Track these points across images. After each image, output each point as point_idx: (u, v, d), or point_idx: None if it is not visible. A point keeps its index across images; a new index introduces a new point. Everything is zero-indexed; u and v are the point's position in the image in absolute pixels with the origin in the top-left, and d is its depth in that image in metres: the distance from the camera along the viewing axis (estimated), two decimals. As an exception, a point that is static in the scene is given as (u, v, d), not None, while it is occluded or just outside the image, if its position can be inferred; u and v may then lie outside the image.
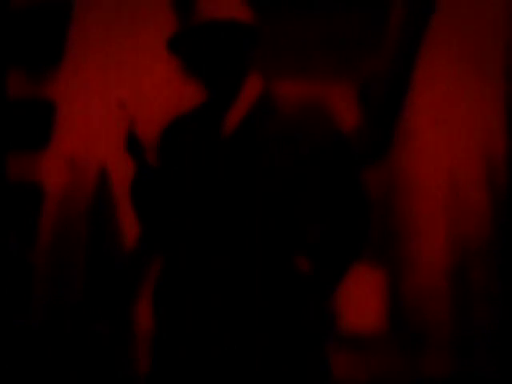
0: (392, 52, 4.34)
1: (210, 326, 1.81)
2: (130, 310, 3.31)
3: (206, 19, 1.87)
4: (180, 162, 1.92)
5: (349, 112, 4.31)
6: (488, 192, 3.73)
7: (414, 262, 4.41)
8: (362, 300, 4.40)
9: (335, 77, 4.37)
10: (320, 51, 4.42)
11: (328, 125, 1.95)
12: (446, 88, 4.05)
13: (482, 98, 3.67)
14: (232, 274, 1.81)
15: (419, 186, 4.49)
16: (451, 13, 3.93)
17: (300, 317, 1.84)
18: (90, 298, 3.30)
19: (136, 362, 3.32)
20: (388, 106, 4.24)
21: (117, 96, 3.31)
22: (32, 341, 3.28)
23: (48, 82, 3.58)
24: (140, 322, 3.31)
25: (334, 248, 1.90)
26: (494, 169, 3.63)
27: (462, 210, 3.94)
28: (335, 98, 4.30)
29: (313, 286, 1.87)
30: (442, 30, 4.01)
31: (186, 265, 1.85)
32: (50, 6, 3.61)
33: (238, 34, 1.90)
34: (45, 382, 3.25)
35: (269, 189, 1.82)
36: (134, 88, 3.51)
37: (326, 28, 4.39)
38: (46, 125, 3.43)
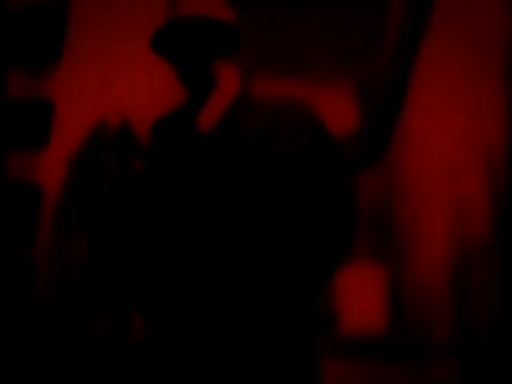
0: (391, 51, 4.34)
1: (199, 329, 1.80)
2: (130, 310, 3.30)
3: (183, 15, 1.89)
4: (161, 160, 1.92)
5: (348, 112, 4.31)
6: (488, 191, 3.73)
7: (414, 261, 4.41)
8: (362, 300, 4.40)
9: (334, 76, 4.37)
10: (319, 51, 4.42)
11: (307, 121, 1.94)
12: (446, 87, 4.05)
13: (482, 96, 3.66)
14: (218, 274, 1.80)
15: (419, 186, 4.49)
16: (450, 11, 3.93)
17: (289, 319, 1.83)
18: (90, 298, 3.30)
19: (136, 363, 3.31)
20: (387, 106, 4.25)
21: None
22: (32, 341, 3.28)
23: (47, 81, 3.57)
24: (139, 323, 3.30)
25: (319, 244, 1.87)
26: (495, 168, 3.62)
27: (461, 210, 3.94)
28: (334, 97, 4.30)
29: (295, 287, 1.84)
30: (442, 29, 4.01)
31: (171, 268, 1.85)
32: (48, 6, 3.60)
33: (216, 31, 1.92)
34: (44, 382, 3.25)
35: (251, 185, 1.82)
36: (132, 88, 3.51)
37: (325, 28, 4.40)
38: (45, 124, 3.43)
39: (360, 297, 4.34)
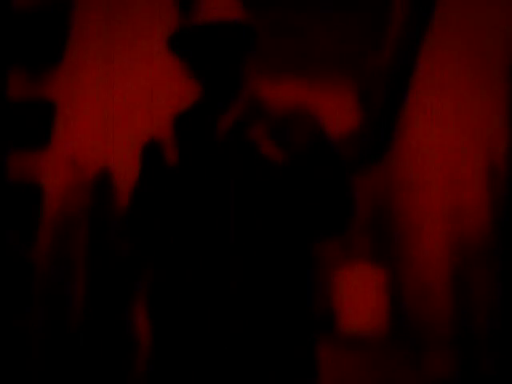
0: (392, 52, 4.34)
1: (205, 329, 1.81)
2: (129, 311, 3.31)
3: (206, 19, 1.88)
4: (179, 162, 1.92)
5: (348, 113, 4.32)
6: (488, 192, 3.73)
7: (414, 262, 4.41)
8: (362, 300, 4.41)
9: (335, 76, 4.38)
10: (319, 51, 4.43)
11: (312, 126, 1.96)
12: (447, 88, 4.06)
13: (483, 97, 3.67)
14: (226, 276, 1.81)
15: (419, 187, 4.49)
16: (452, 13, 3.93)
17: (291, 316, 1.84)
18: (90, 297, 3.31)
19: (135, 364, 3.32)
20: (388, 106, 4.25)
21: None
22: (32, 341, 3.29)
23: (48, 82, 3.58)
24: (139, 324, 3.31)
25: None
26: (494, 168, 3.63)
27: (461, 210, 3.95)
28: (334, 98, 4.31)
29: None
30: (443, 30, 4.02)
31: (179, 269, 1.86)
32: (50, 7, 3.61)
33: (237, 34, 1.92)
34: (45, 381, 3.26)
35: (260, 190, 1.83)
36: (132, 88, 3.52)
37: (326, 28, 4.40)
38: (46, 125, 3.43)
39: (360, 297, 4.34)
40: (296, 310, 1.86)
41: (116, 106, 3.46)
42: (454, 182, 4.01)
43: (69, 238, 3.33)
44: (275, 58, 4.38)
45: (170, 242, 1.89)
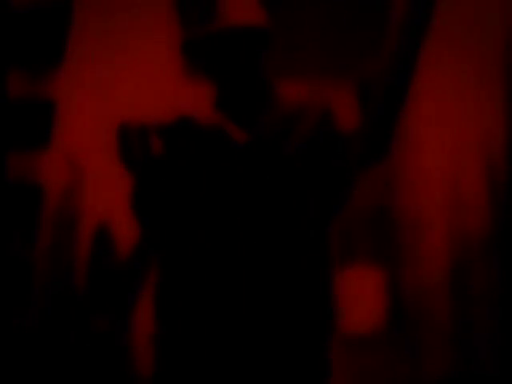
0: (392, 52, 4.33)
1: (213, 327, 1.80)
2: (131, 309, 3.31)
3: (225, 25, 1.85)
4: (191, 166, 1.88)
5: (348, 113, 4.30)
6: (488, 191, 3.73)
7: (414, 261, 4.41)
8: (362, 300, 4.41)
9: (335, 76, 4.38)
10: (319, 50, 4.43)
11: (325, 122, 1.96)
12: (446, 88, 4.05)
13: (482, 97, 3.67)
14: (235, 276, 1.80)
15: (419, 186, 4.49)
16: (452, 13, 3.93)
17: (305, 316, 1.83)
18: (90, 296, 3.31)
19: (135, 363, 3.32)
20: (388, 107, 4.21)
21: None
22: (31, 340, 3.29)
23: (48, 82, 3.58)
24: (140, 323, 3.31)
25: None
26: (494, 168, 3.63)
27: (461, 210, 3.95)
28: (334, 98, 4.29)
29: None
30: (442, 31, 4.01)
31: (189, 267, 1.84)
32: (50, 7, 3.61)
33: (255, 39, 1.91)
34: (44, 381, 3.26)
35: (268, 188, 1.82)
36: (133, 88, 3.52)
37: (326, 26, 4.40)
38: (46, 125, 3.43)
39: (360, 297, 4.34)
40: (310, 309, 1.84)
41: (116, 106, 3.45)
42: (454, 181, 4.00)
43: (69, 237, 3.34)
44: (274, 58, 4.37)
45: (188, 239, 1.84)
